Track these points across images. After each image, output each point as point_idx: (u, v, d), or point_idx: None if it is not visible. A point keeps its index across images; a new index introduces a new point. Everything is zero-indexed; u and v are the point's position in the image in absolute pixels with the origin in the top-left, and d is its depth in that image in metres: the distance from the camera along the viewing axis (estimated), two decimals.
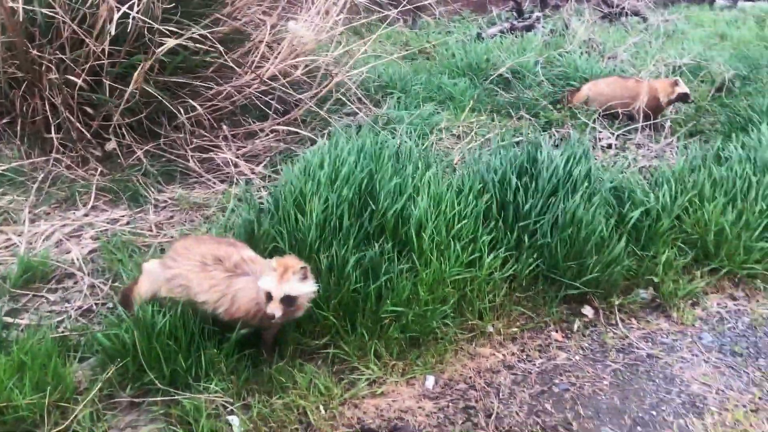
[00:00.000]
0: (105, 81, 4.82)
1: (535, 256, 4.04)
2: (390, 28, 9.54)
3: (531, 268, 4.01)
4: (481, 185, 4.28)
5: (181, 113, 5.18)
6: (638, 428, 3.23)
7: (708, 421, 3.28)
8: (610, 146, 6.45)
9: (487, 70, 8.09)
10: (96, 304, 3.79)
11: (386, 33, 9.67)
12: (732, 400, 3.42)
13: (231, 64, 5.31)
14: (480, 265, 3.88)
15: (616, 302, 4.09)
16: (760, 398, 3.43)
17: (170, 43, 4.50)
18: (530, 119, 6.80)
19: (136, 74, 4.63)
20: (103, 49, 4.59)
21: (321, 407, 3.19)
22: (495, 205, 4.20)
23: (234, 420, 3.06)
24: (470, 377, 3.52)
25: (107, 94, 4.90)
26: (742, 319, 4.08)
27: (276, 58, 5.70)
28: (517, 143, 5.79)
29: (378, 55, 7.51)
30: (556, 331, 3.90)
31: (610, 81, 7.00)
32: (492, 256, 3.91)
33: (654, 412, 3.34)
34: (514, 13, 11.30)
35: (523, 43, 9.06)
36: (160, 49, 4.52)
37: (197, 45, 4.86)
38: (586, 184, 4.29)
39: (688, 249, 4.34)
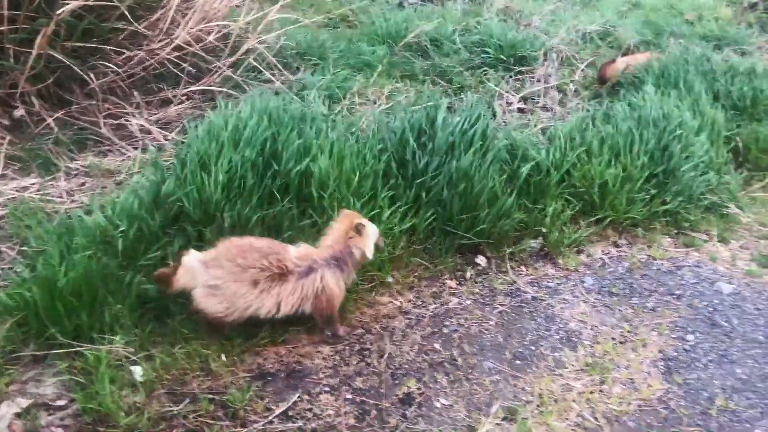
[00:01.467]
0: (8, 47, 4.78)
1: (432, 210, 4.28)
2: None
3: (428, 221, 4.26)
4: (381, 146, 4.48)
5: (92, 79, 5.18)
6: (517, 362, 3.54)
7: (580, 353, 3.61)
8: (521, 110, 6.75)
9: (405, 38, 8.26)
10: (2, 269, 3.84)
11: (310, 1, 9.73)
12: (604, 334, 3.77)
13: (141, 29, 5.32)
14: (380, 220, 4.09)
15: (507, 251, 4.39)
16: (629, 332, 3.79)
17: (72, 5, 4.49)
18: (445, 85, 7.03)
19: (38, 39, 4.62)
20: (2, 14, 4.55)
21: (222, 355, 3.36)
22: (395, 163, 4.41)
23: (136, 369, 3.21)
24: (368, 323, 3.76)
25: (12, 61, 4.86)
26: (622, 264, 4.45)
27: (188, 23, 5.72)
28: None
29: (294, 20, 7.58)
30: (451, 279, 4.18)
31: (647, 55, 7.17)
32: (390, 211, 4.13)
33: (533, 347, 3.65)
34: None
35: (442, 12, 9.25)
36: (59, 12, 4.51)
37: (105, 10, 4.86)
38: (480, 143, 4.54)
39: (575, 201, 4.66)
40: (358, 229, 3.45)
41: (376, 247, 3.61)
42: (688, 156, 5.01)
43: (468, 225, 4.29)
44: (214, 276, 3.23)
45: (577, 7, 10.43)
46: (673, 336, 3.77)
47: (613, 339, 3.73)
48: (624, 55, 7.93)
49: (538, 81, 7.26)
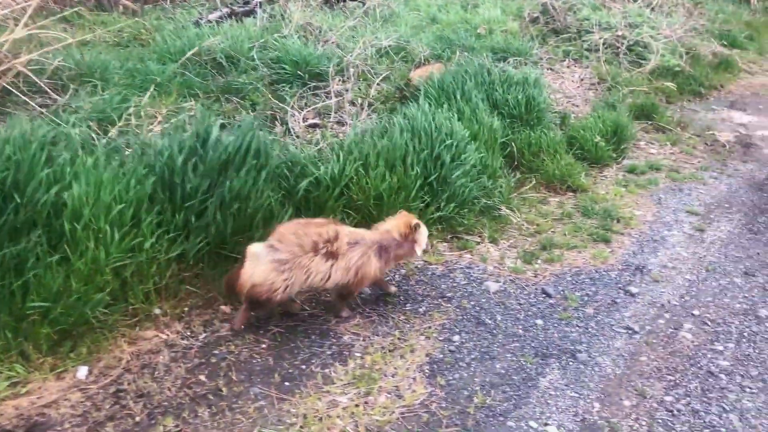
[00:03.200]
0: None
1: (203, 234, 4.11)
2: (105, 14, 9.07)
3: (200, 246, 4.08)
4: (147, 169, 4.24)
5: None
6: (286, 383, 3.47)
7: (350, 366, 3.62)
8: (315, 125, 6.77)
9: (200, 56, 8.01)
10: None
11: (101, 19, 9.17)
12: (375, 344, 3.81)
13: None
14: (142, 248, 3.85)
15: None
16: (398, 338, 3.87)
17: None
18: (237, 102, 6.88)
19: None
20: None
21: None
22: (162, 187, 4.19)
23: None
24: (128, 361, 3.51)
25: None
26: (399, 271, 4.56)
27: None
28: (223, 126, 5.85)
29: (80, 40, 7.07)
30: (226, 305, 4.03)
31: (438, 66, 7.24)
32: (154, 238, 3.90)
33: (304, 366, 3.61)
34: (238, 0, 11.29)
35: (240, 29, 9.10)
36: None
37: None
38: (254, 161, 4.45)
39: (354, 214, 4.71)
40: (415, 228, 3.96)
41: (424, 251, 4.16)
42: (459, 163, 5.26)
43: (243, 247, 4.17)
44: (279, 250, 3.62)
45: (377, 24, 10.75)
46: (440, 338, 3.91)
47: (383, 348, 3.79)
48: (417, 68, 8.26)
49: (334, 96, 7.34)
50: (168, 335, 3.73)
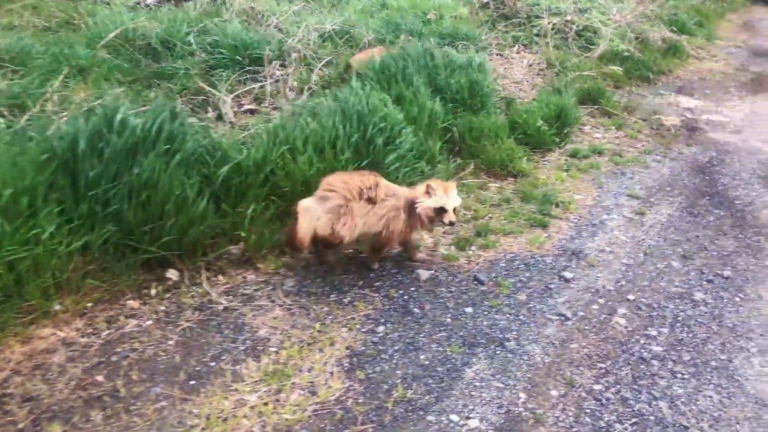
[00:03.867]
0: None
1: (110, 224, 3.82)
2: None
3: (105, 237, 3.80)
4: (47, 155, 3.93)
5: None
6: (191, 382, 3.22)
7: (263, 362, 3.39)
8: (252, 111, 6.49)
9: (134, 41, 7.64)
10: None
11: (31, 3, 8.74)
12: (293, 338, 3.58)
13: None
14: (39, 240, 3.55)
15: (204, 261, 4.06)
16: (318, 331, 3.65)
17: None
18: (169, 88, 6.55)
19: None
20: None
21: None
22: (64, 174, 3.88)
23: None
24: (18, 362, 3.22)
25: None
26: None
27: None
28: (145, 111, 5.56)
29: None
30: (133, 299, 3.76)
31: (379, 50, 6.98)
32: (53, 228, 3.61)
33: (213, 363, 3.36)
34: None
35: (179, 13, 8.74)
36: None
37: None
38: (167, 146, 4.17)
39: (280, 201, 4.46)
40: (428, 190, 4.03)
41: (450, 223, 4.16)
42: (394, 147, 5.05)
43: (154, 237, 3.90)
44: (328, 199, 3.91)
45: (325, 9, 10.47)
46: (363, 330, 3.70)
47: (301, 342, 3.56)
48: (359, 53, 8.02)
49: (275, 81, 7.06)
50: (66, 333, 3.45)
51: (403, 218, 4.06)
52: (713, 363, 3.63)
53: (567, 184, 5.76)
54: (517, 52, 9.75)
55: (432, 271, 4.33)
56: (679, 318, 4.01)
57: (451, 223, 4.15)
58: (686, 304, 4.16)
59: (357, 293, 4.04)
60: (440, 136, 6.15)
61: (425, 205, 4.04)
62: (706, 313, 4.08)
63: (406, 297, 4.05)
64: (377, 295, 4.04)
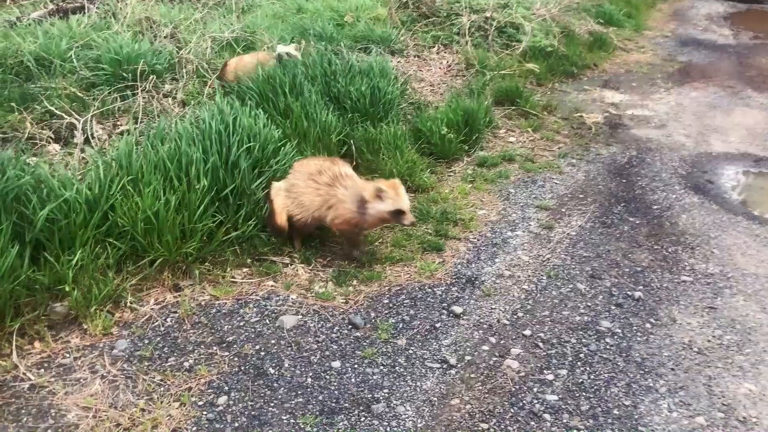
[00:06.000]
0: None
1: None
2: None
3: None
4: None
5: None
6: None
7: None
8: (124, 132, 5.78)
9: (5, 59, 6.86)
10: None
11: None
12: (107, 422, 2.92)
13: None
14: None
15: (15, 325, 3.36)
16: (142, 410, 2.99)
17: None
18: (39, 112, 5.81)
19: None
20: None
21: None
22: None
23: None
24: None
25: None
26: (173, 314, 3.67)
27: None
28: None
29: None
30: None
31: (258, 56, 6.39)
32: None
33: None
34: None
35: (62, 27, 7.96)
36: None
37: None
38: None
39: (119, 243, 3.79)
40: (378, 194, 3.90)
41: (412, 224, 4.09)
42: (267, 170, 4.42)
43: None
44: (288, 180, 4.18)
45: (232, 15, 9.78)
46: (200, 403, 3.06)
47: (117, 427, 2.90)
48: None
49: (164, 96, 6.37)
50: None
51: (348, 209, 3.99)
52: (615, 411, 3.08)
53: (471, 198, 5.20)
54: (437, 53, 9.22)
55: (300, 317, 3.71)
56: (580, 355, 3.47)
57: (413, 224, 4.07)
58: (590, 336, 3.62)
59: (202, 353, 3.39)
60: (336, 150, 5.56)
61: (380, 209, 3.90)
62: (611, 346, 3.54)
63: (263, 353, 3.41)
64: (227, 353, 3.40)
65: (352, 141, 5.73)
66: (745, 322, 3.75)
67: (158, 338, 3.48)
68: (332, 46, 8.10)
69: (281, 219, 4.08)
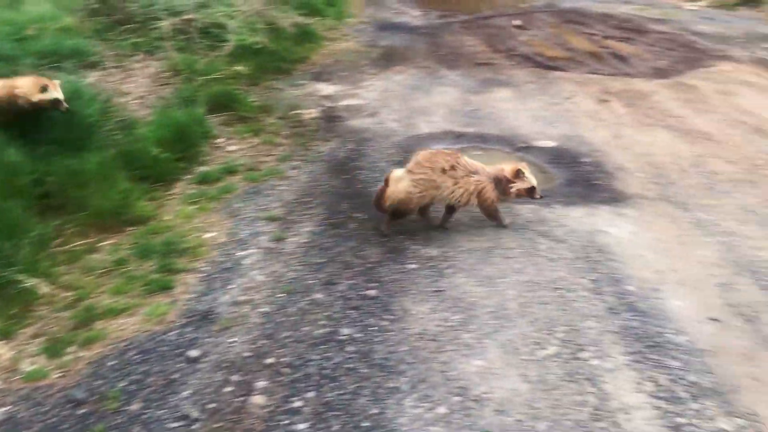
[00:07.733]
0: None
1: None
2: None
3: None
4: None
5: None
6: None
7: None
8: None
9: None
10: None
11: None
12: None
13: None
14: None
15: None
16: None
17: None
18: None
19: None
20: None
21: None
22: None
23: None
24: None
25: None
26: None
27: None
28: None
29: None
30: None
31: None
32: None
33: None
34: None
35: None
36: None
37: None
38: None
39: None
40: (518, 175, 4.75)
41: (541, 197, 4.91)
42: None
43: None
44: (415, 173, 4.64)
45: None
46: None
47: None
48: None
49: None
50: None
51: (491, 187, 4.72)
52: (365, 423, 3.12)
53: (196, 221, 4.91)
54: (140, 62, 8.58)
55: (7, 408, 3.14)
56: (325, 371, 3.45)
57: (542, 197, 4.87)
58: (332, 348, 3.62)
59: None
60: (29, 193, 4.84)
61: (519, 186, 4.74)
62: (354, 353, 3.58)
63: None
64: None
65: (51, 178, 5.04)
66: (466, 298, 4.05)
67: None
68: (12, 66, 7.08)
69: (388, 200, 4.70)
